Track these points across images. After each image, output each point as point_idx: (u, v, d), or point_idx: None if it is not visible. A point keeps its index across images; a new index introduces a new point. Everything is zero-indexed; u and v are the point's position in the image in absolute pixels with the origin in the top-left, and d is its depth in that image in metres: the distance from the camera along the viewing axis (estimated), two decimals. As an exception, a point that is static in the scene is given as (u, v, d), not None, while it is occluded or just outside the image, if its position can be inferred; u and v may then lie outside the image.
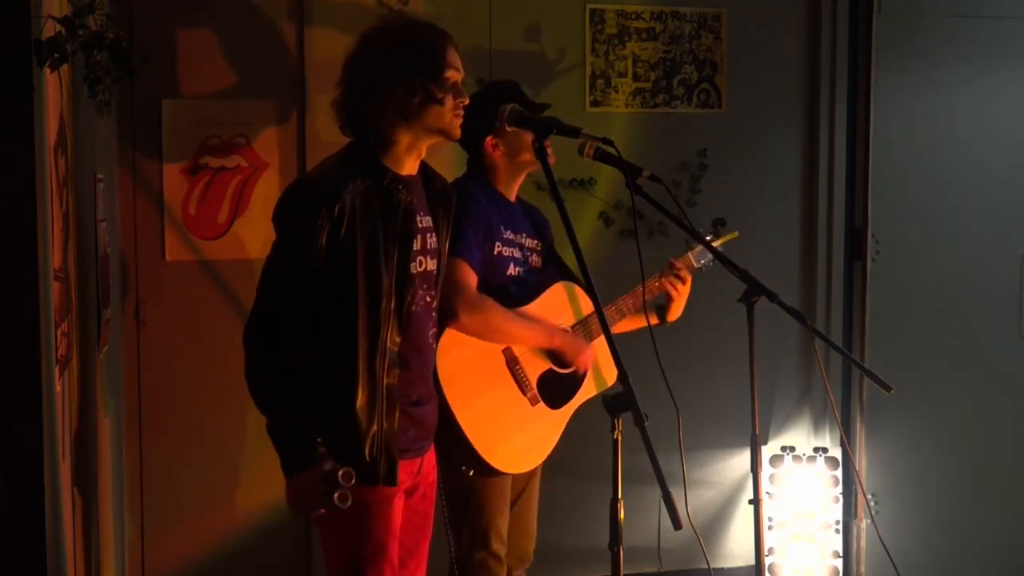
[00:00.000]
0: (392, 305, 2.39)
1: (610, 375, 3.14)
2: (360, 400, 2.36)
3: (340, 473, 2.24)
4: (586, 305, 3.16)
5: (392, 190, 2.40)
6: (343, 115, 2.48)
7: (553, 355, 3.07)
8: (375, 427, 2.38)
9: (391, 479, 2.40)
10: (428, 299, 2.53)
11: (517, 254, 3.11)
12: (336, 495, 2.23)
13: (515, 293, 3.08)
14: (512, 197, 3.16)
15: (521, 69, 4.08)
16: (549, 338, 3.03)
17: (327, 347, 2.37)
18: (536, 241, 3.19)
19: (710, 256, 3.25)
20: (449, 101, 2.43)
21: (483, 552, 3.05)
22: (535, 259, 3.19)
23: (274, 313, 2.34)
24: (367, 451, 2.37)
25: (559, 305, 3.12)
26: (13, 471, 2.01)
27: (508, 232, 3.09)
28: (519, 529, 3.20)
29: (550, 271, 3.21)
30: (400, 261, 2.41)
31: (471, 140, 3.04)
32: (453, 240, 2.90)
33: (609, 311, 3.11)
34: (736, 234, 3.42)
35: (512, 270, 3.09)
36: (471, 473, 2.92)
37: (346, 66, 2.47)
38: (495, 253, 3.04)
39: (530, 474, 3.22)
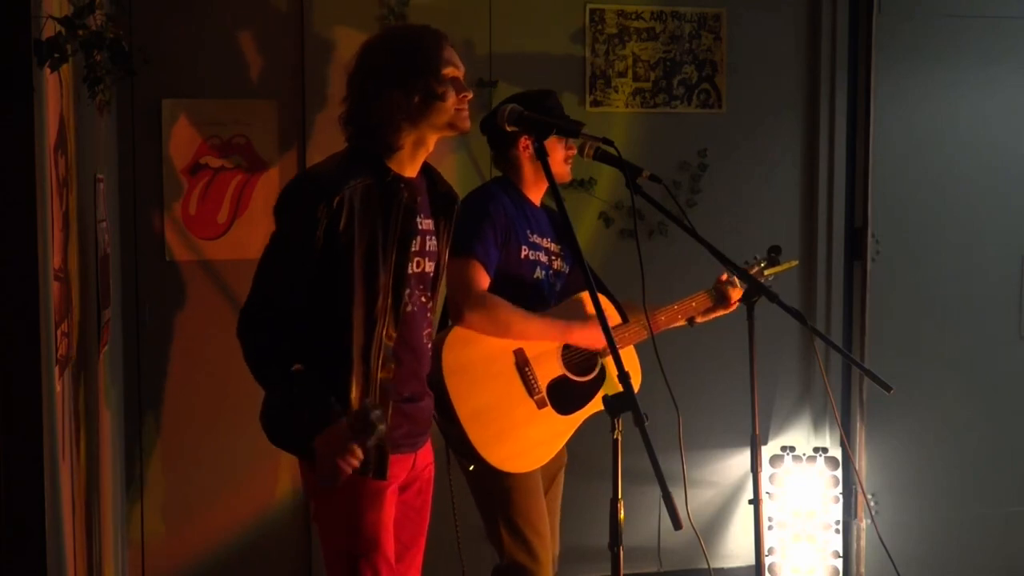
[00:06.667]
0: (389, 302, 2.41)
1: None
2: (354, 393, 2.37)
3: (371, 415, 2.23)
4: (610, 315, 3.15)
5: (394, 188, 2.42)
6: (349, 129, 2.49)
7: (571, 363, 3.07)
8: None
9: (381, 472, 2.41)
10: (423, 300, 2.55)
11: (543, 258, 3.12)
12: (379, 430, 2.22)
13: (547, 296, 3.10)
14: (537, 201, 3.18)
15: (521, 69, 4.08)
16: (564, 333, 3.04)
17: (321, 340, 2.38)
18: (559, 245, 3.20)
19: (767, 277, 3.31)
20: (451, 96, 2.45)
21: (523, 552, 3.02)
22: (558, 263, 3.20)
23: (269, 303, 2.36)
24: None
25: (587, 311, 3.12)
26: (13, 471, 2.01)
27: (534, 236, 3.10)
28: None
29: (576, 276, 3.22)
30: (398, 260, 2.42)
31: (500, 144, 3.10)
32: (468, 239, 2.91)
33: (653, 318, 3.12)
34: (795, 262, 3.44)
35: (538, 273, 3.10)
36: (471, 468, 2.93)
37: (348, 83, 2.49)
38: (522, 256, 3.06)
39: (552, 477, 3.21)
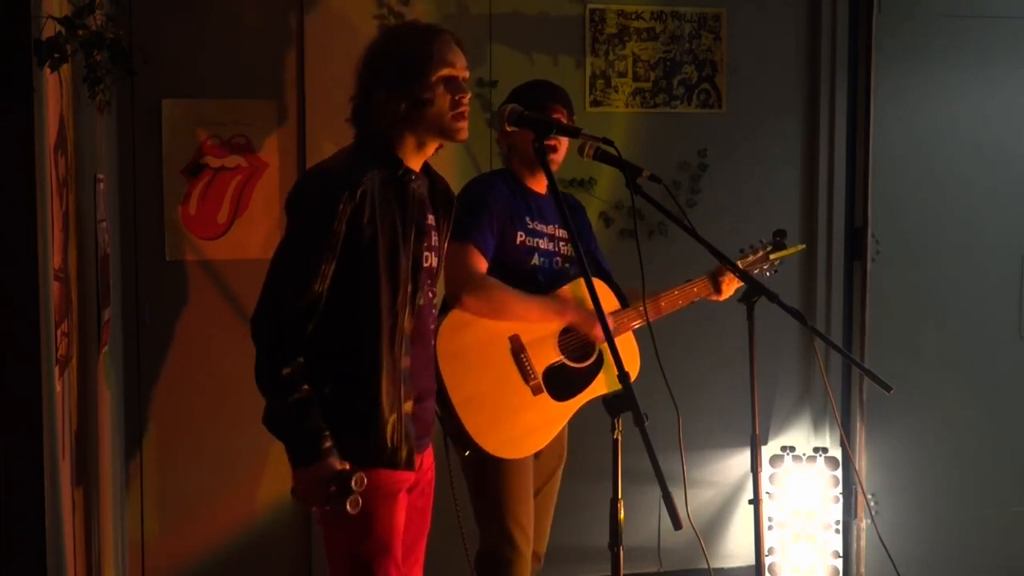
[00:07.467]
0: (409, 291, 2.41)
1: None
2: (384, 386, 2.36)
3: (353, 479, 2.23)
4: (608, 300, 3.16)
5: (406, 180, 2.42)
6: (355, 129, 2.48)
7: (567, 349, 3.08)
8: (395, 413, 2.39)
9: (411, 463, 2.41)
10: (431, 294, 2.56)
11: (543, 244, 3.14)
12: (348, 501, 2.22)
13: (543, 282, 3.11)
14: (541, 189, 3.20)
15: (521, 70, 4.08)
16: (560, 314, 3.05)
17: (346, 334, 2.36)
18: (567, 231, 3.20)
19: (765, 267, 3.34)
20: (443, 100, 2.41)
21: (504, 544, 3.03)
22: (566, 249, 3.21)
23: (287, 300, 2.31)
24: (388, 437, 2.38)
25: (583, 298, 3.13)
26: (13, 471, 2.01)
27: (535, 223, 3.12)
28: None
29: (588, 261, 3.22)
30: (415, 251, 2.43)
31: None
32: (465, 226, 2.94)
33: (653, 303, 3.14)
34: (802, 246, 3.47)
35: (536, 260, 3.11)
36: (467, 454, 2.94)
37: (355, 82, 2.48)
38: (517, 242, 3.07)
39: (549, 474, 3.21)
